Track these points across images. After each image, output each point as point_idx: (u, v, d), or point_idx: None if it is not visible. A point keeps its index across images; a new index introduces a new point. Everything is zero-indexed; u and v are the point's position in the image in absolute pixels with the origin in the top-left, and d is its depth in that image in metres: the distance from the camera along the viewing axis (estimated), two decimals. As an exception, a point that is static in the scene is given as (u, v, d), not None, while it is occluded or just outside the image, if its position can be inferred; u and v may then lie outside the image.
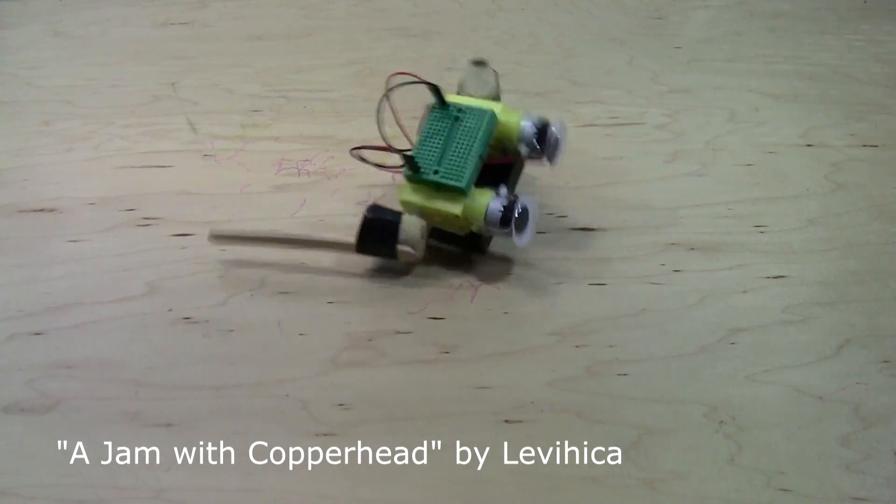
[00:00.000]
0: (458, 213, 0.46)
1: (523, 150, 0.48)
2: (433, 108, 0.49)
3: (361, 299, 0.49)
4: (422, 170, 0.47)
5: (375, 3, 0.82)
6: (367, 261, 0.52)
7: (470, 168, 0.46)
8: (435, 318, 0.48)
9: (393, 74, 0.48)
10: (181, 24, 0.79)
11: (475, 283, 0.50)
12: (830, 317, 0.48)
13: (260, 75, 0.71)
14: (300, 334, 0.47)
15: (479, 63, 0.52)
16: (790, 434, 0.41)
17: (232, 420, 0.43)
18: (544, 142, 0.48)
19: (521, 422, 0.42)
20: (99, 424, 0.42)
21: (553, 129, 0.48)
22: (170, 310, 0.49)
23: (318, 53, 0.74)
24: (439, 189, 0.47)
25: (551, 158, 0.48)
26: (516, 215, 0.45)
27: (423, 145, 0.48)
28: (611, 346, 0.46)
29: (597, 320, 0.48)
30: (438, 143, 0.47)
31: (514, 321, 0.48)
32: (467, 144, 0.47)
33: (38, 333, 0.48)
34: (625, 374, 0.45)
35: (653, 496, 0.39)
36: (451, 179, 0.46)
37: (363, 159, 0.49)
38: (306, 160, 0.60)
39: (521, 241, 0.46)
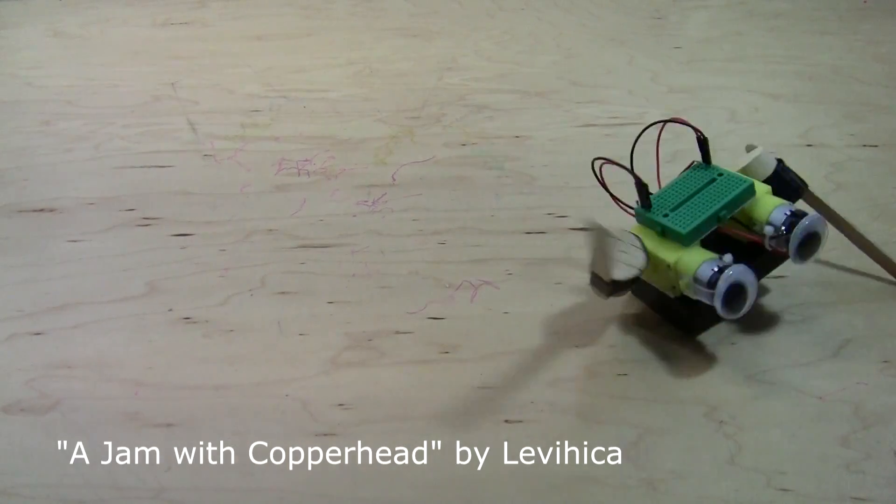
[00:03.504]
0: (671, 261, 0.43)
1: (767, 231, 0.43)
2: (696, 164, 0.46)
3: (361, 299, 0.49)
4: (653, 209, 0.45)
5: (375, 3, 0.82)
6: (367, 260, 0.52)
7: (699, 221, 0.43)
8: (435, 318, 0.48)
9: (669, 121, 0.46)
10: (181, 24, 0.79)
11: (475, 283, 0.50)
12: (830, 317, 0.48)
13: (260, 75, 0.71)
14: (300, 334, 0.47)
15: (750, 148, 0.48)
16: (790, 434, 0.41)
17: (232, 420, 0.43)
18: (791, 231, 0.43)
19: (521, 422, 0.42)
20: (99, 424, 0.42)
21: (806, 221, 0.43)
22: (170, 310, 0.49)
23: (318, 53, 0.74)
24: (664, 235, 0.44)
25: (795, 252, 0.43)
26: (725, 285, 0.41)
27: (668, 191, 0.45)
28: (611, 346, 0.46)
29: (597, 320, 0.48)
30: (683, 194, 0.45)
31: (514, 321, 0.48)
32: (710, 202, 0.44)
33: (38, 333, 0.48)
34: (625, 374, 0.45)
35: (653, 496, 0.39)
36: (676, 225, 0.43)
37: (601, 180, 0.45)
38: (306, 160, 0.60)
39: (727, 314, 0.42)
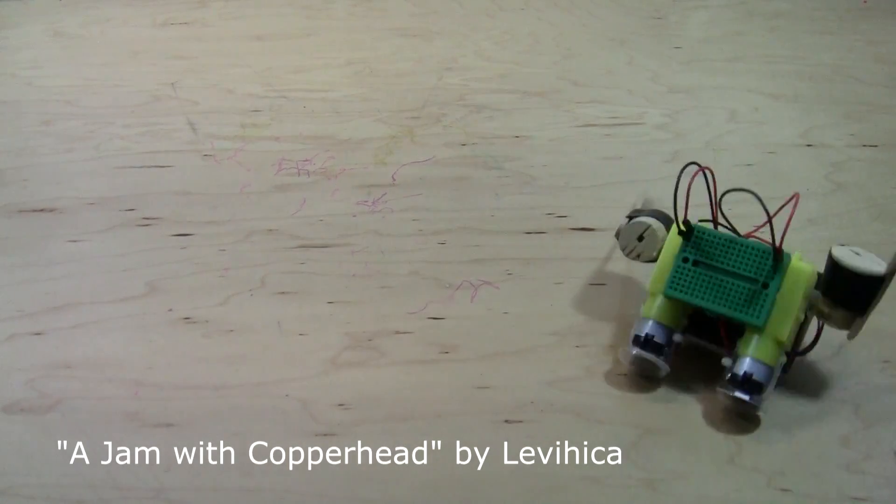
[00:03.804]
0: (649, 289, 0.43)
1: (724, 362, 0.41)
2: (770, 251, 0.41)
3: (361, 299, 0.49)
4: (692, 241, 0.42)
5: (375, 3, 0.82)
6: (367, 260, 0.52)
7: (687, 295, 0.41)
8: (435, 318, 0.48)
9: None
10: (181, 24, 0.79)
11: (475, 283, 0.50)
12: (830, 317, 0.48)
13: (260, 75, 0.71)
14: (300, 334, 0.47)
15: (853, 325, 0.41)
16: (790, 434, 0.41)
17: (232, 420, 0.43)
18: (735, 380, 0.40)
19: (521, 422, 0.42)
20: (99, 424, 0.42)
21: (736, 393, 0.40)
22: (170, 310, 0.49)
23: (318, 53, 0.74)
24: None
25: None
26: (628, 356, 0.43)
27: (722, 240, 0.42)
28: (611, 346, 0.46)
29: (597, 320, 0.48)
30: (722, 260, 0.42)
31: (514, 321, 0.48)
32: (719, 294, 0.41)
33: (38, 333, 0.48)
34: (624, 374, 0.45)
35: (653, 496, 0.39)
36: (671, 279, 0.42)
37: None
38: (306, 160, 0.60)
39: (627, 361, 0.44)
